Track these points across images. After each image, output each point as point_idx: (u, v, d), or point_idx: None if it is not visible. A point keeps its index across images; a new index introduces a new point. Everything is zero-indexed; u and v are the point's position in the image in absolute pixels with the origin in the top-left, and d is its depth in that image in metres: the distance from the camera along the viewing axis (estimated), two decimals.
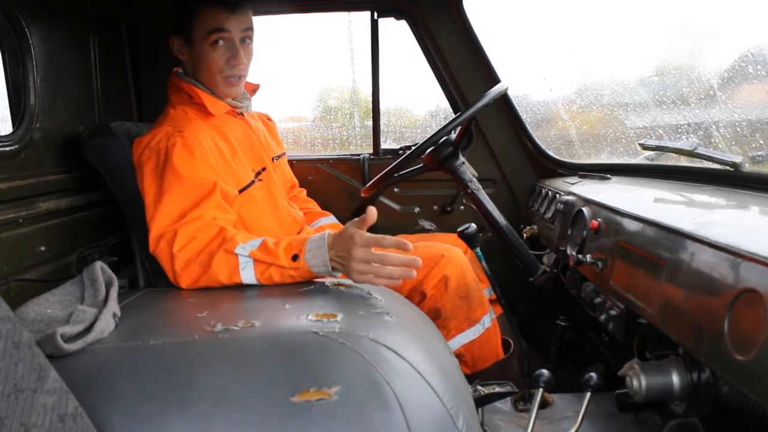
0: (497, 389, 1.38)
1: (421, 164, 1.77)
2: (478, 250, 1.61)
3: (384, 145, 2.32)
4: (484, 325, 1.59)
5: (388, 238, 1.14)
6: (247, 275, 1.22)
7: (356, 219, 1.17)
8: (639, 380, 1.08)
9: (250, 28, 1.51)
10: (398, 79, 2.41)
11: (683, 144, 1.46)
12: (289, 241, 1.22)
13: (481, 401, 1.35)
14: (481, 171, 2.04)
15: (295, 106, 2.88)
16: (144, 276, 1.70)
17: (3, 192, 1.32)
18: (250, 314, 1.02)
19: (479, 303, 1.58)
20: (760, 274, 0.77)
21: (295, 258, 1.19)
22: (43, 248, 1.43)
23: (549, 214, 1.84)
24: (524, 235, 1.92)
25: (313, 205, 1.95)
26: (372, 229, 2.36)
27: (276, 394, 0.81)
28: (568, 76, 2.29)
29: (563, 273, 1.71)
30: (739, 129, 1.49)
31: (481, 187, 1.74)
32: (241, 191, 1.48)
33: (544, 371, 1.40)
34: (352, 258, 1.14)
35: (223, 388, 0.82)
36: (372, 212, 1.15)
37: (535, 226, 1.94)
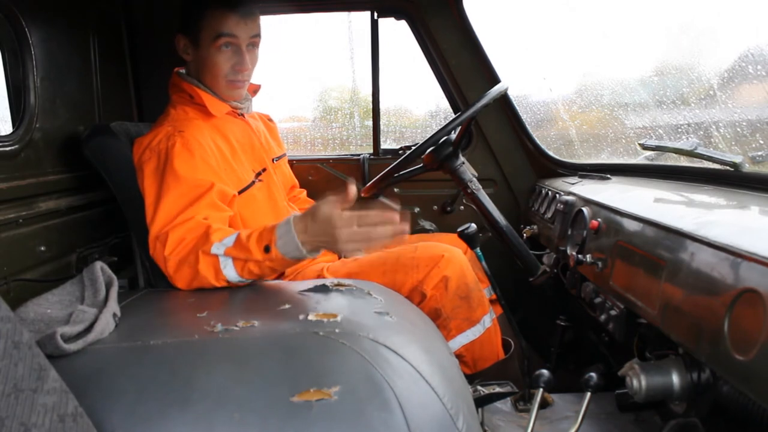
0: (497, 389, 1.38)
1: (421, 164, 1.77)
2: (478, 250, 1.60)
3: (384, 145, 2.32)
4: (485, 325, 1.59)
5: (372, 215, 1.11)
6: (230, 273, 1.22)
7: (330, 198, 1.13)
8: (639, 380, 1.08)
9: (258, 35, 1.50)
10: (398, 79, 2.41)
11: (683, 144, 1.46)
12: (260, 231, 1.21)
13: (481, 401, 1.35)
14: (481, 171, 2.04)
15: (295, 106, 2.88)
16: (144, 276, 1.70)
17: (3, 192, 1.32)
18: (250, 314, 1.02)
19: (479, 303, 1.58)
20: (760, 274, 0.77)
21: (267, 249, 1.18)
22: (43, 248, 1.43)
23: (549, 214, 1.84)
24: (524, 235, 1.92)
25: None
26: None
27: (276, 394, 0.81)
28: (568, 76, 2.29)
29: (563, 273, 1.70)
30: (739, 129, 1.49)
31: (481, 187, 1.74)
32: (241, 192, 1.48)
33: (544, 371, 1.40)
34: (338, 240, 1.11)
35: (223, 388, 0.82)
36: (352, 190, 1.11)
37: (535, 226, 1.94)
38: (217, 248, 1.22)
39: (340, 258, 1.71)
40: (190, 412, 0.80)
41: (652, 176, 1.71)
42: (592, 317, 1.45)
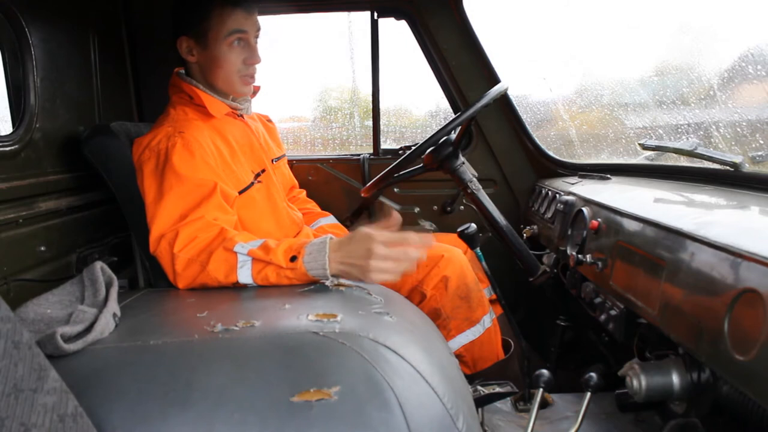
0: (497, 389, 1.38)
1: (421, 164, 1.77)
2: (478, 250, 1.61)
3: (384, 145, 2.32)
4: (484, 325, 1.59)
5: (413, 236, 1.15)
6: (244, 274, 1.22)
7: (370, 223, 1.18)
8: (639, 380, 1.08)
9: (260, 29, 1.53)
10: (398, 79, 2.41)
11: (683, 144, 1.47)
12: (290, 243, 1.22)
13: (481, 401, 1.35)
14: (481, 171, 2.04)
15: (295, 106, 2.88)
16: (144, 276, 1.70)
17: (3, 192, 1.32)
18: (250, 314, 1.02)
19: (479, 303, 1.58)
20: (760, 274, 0.77)
21: (293, 259, 1.19)
22: (43, 248, 1.43)
23: (549, 214, 1.84)
24: (524, 235, 1.92)
25: (312, 206, 1.95)
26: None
27: (276, 394, 0.81)
28: (568, 76, 2.29)
29: (563, 273, 1.71)
30: (739, 129, 1.49)
31: (481, 187, 1.74)
32: (240, 193, 1.48)
33: (544, 371, 1.40)
34: (372, 255, 1.13)
35: (223, 388, 0.82)
36: (396, 217, 1.19)
37: (535, 226, 1.94)
38: (241, 247, 1.22)
39: None
40: (190, 412, 0.79)
41: (652, 176, 1.71)
42: (592, 317, 1.45)
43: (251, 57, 1.50)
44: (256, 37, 1.53)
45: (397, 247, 1.15)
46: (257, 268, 1.21)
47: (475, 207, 1.76)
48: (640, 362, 1.11)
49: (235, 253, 1.22)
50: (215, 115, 1.51)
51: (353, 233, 1.18)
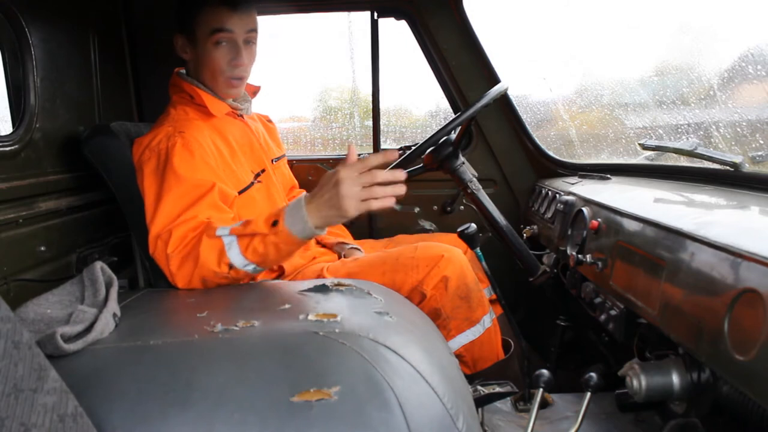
0: (497, 389, 1.38)
1: (421, 164, 1.77)
2: (478, 250, 1.60)
3: (384, 145, 2.32)
4: (484, 325, 1.59)
5: (372, 157, 1.14)
6: (234, 253, 1.22)
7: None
8: (639, 380, 1.08)
9: (254, 30, 1.51)
10: (398, 79, 2.41)
11: (683, 144, 1.47)
12: (269, 212, 1.23)
13: (481, 401, 1.35)
14: (481, 171, 2.04)
15: (295, 106, 2.88)
16: (144, 276, 1.70)
17: (3, 192, 1.32)
18: (250, 314, 1.02)
19: (479, 303, 1.58)
20: (760, 274, 0.77)
21: (275, 224, 1.18)
22: (43, 248, 1.43)
23: (549, 214, 1.84)
24: (524, 235, 1.92)
25: None
26: (371, 229, 2.35)
27: (276, 394, 0.81)
28: (568, 76, 2.29)
29: (563, 273, 1.71)
30: (739, 129, 1.49)
31: (481, 187, 1.74)
32: (240, 193, 1.48)
33: (544, 371, 1.40)
34: (341, 184, 1.11)
35: (223, 388, 0.82)
36: (352, 152, 1.16)
37: (535, 226, 1.94)
38: (222, 230, 1.23)
39: (340, 258, 1.71)
40: (190, 412, 0.80)
41: (652, 176, 1.71)
42: (592, 317, 1.45)
43: (236, 58, 1.48)
44: (248, 39, 1.49)
45: (365, 171, 1.13)
46: (244, 244, 1.21)
47: (475, 207, 1.76)
48: (640, 362, 1.11)
49: (219, 237, 1.23)
50: (216, 114, 1.51)
51: (320, 179, 1.18)
